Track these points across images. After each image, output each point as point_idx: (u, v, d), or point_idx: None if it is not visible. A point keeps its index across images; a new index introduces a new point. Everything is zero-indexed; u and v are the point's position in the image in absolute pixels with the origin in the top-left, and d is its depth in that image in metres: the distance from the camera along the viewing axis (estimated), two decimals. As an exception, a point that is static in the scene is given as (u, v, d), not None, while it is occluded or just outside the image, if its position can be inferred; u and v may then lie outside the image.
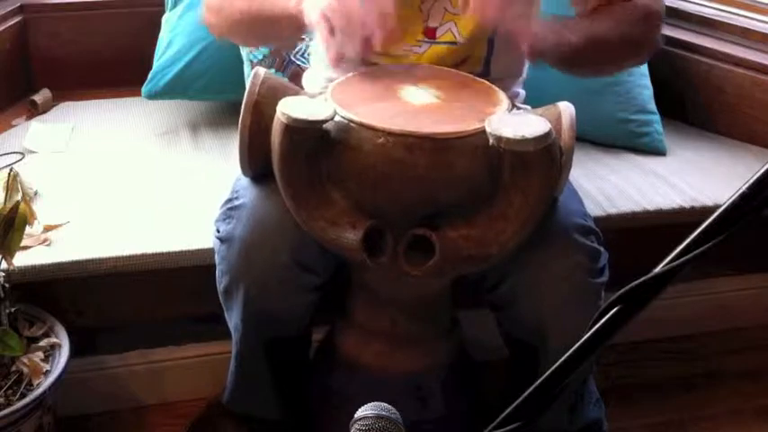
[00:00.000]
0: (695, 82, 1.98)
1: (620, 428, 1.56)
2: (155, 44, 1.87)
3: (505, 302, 1.29)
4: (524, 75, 1.46)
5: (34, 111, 1.90)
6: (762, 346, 1.85)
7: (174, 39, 1.85)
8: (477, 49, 1.34)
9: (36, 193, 1.57)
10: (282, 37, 1.42)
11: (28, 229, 1.32)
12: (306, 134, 1.09)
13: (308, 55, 1.58)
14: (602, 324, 0.68)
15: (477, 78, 1.26)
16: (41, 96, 1.92)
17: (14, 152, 1.71)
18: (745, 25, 2.00)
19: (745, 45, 1.97)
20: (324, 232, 1.14)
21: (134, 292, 1.49)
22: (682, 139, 1.92)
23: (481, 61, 1.35)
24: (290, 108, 1.09)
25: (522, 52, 1.27)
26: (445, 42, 1.33)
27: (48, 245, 1.44)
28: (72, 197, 1.58)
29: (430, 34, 1.33)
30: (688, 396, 1.71)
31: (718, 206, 0.65)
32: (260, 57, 1.76)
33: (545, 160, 1.08)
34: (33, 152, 1.73)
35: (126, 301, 1.50)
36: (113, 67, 1.98)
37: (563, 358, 0.71)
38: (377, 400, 0.91)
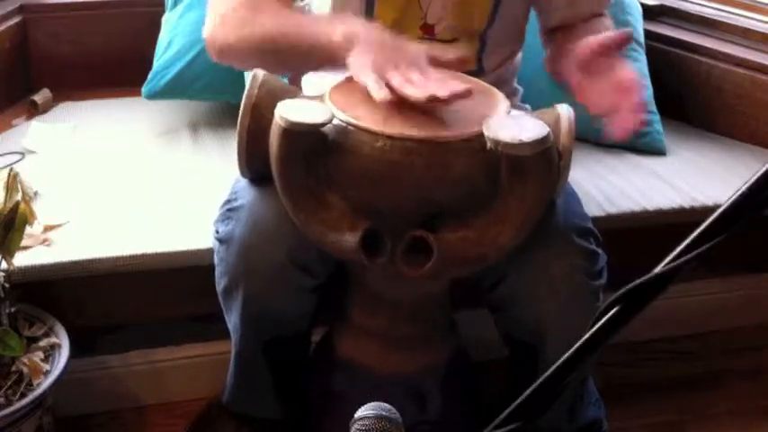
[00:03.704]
0: (695, 82, 1.98)
1: (620, 428, 1.56)
2: (155, 44, 1.87)
3: (504, 304, 1.29)
4: (516, 67, 1.46)
5: (34, 111, 1.90)
6: (762, 346, 1.85)
7: (174, 39, 1.85)
8: (470, 47, 1.34)
9: (36, 193, 1.56)
10: (311, 67, 1.32)
11: (28, 229, 1.32)
12: (303, 137, 1.09)
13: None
14: (602, 324, 0.68)
15: (476, 80, 1.26)
16: (41, 96, 1.92)
17: (14, 152, 1.71)
18: (745, 25, 2.00)
19: (745, 45, 1.97)
20: (322, 235, 1.14)
21: (134, 292, 1.49)
22: (682, 139, 1.92)
23: (474, 58, 1.35)
24: (287, 111, 1.08)
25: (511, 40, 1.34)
26: (444, 40, 1.32)
27: (48, 245, 1.44)
28: (72, 197, 1.58)
29: (428, 31, 1.33)
30: (688, 396, 1.71)
31: (718, 206, 0.65)
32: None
33: (542, 164, 1.08)
34: (33, 152, 1.73)
35: (126, 301, 1.50)
36: (113, 67, 1.98)
37: (563, 358, 0.70)
38: (376, 401, 0.91)
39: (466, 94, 1.07)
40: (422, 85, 1.08)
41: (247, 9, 1.26)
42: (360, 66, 1.11)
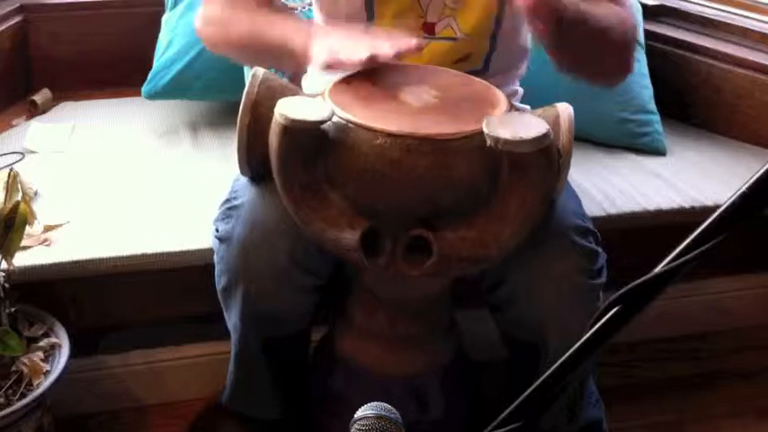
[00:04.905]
0: (695, 82, 1.98)
1: (620, 428, 1.55)
2: (155, 44, 1.87)
3: (504, 304, 1.29)
4: (522, 71, 1.45)
5: (34, 111, 1.90)
6: (762, 346, 1.85)
7: (174, 39, 1.85)
8: (480, 47, 1.33)
9: (36, 193, 1.57)
10: (280, 68, 1.39)
11: (28, 229, 1.32)
12: (303, 135, 1.09)
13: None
14: (602, 324, 0.68)
15: (477, 78, 1.26)
16: (41, 96, 1.92)
17: (14, 152, 1.71)
18: (745, 25, 2.00)
19: (745, 45, 1.97)
20: (322, 233, 1.14)
21: (134, 292, 1.49)
22: (682, 139, 1.92)
23: (482, 58, 1.35)
24: (287, 108, 1.08)
25: (522, 45, 1.32)
26: (445, 38, 1.32)
27: (48, 245, 1.44)
28: (72, 197, 1.58)
29: (429, 30, 1.32)
30: (688, 396, 1.71)
31: (718, 206, 0.65)
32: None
33: (543, 161, 1.08)
34: (33, 152, 1.73)
35: (126, 301, 1.50)
36: (113, 67, 1.99)
37: (563, 358, 0.70)
38: (376, 401, 0.91)
39: (413, 48, 1.13)
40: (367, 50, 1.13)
41: (225, 10, 1.33)
42: (319, 52, 1.18)
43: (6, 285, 1.31)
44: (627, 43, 1.30)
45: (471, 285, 1.31)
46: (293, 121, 1.07)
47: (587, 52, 1.26)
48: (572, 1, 1.15)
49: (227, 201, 1.28)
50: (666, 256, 0.66)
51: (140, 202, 1.57)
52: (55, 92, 1.95)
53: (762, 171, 0.64)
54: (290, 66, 1.31)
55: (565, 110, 1.17)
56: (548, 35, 1.15)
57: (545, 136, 1.06)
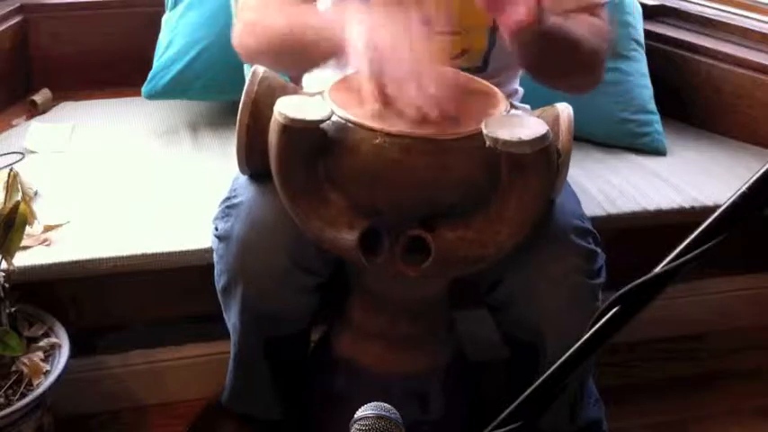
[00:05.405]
0: (695, 82, 1.98)
1: (620, 428, 1.56)
2: (155, 44, 1.87)
3: (503, 304, 1.29)
4: (521, 70, 1.45)
5: (34, 111, 1.90)
6: (762, 346, 1.85)
7: (174, 39, 1.85)
8: (477, 42, 1.33)
9: (36, 193, 1.57)
10: (317, 63, 1.30)
11: (28, 229, 1.32)
12: (303, 134, 1.09)
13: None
14: (602, 324, 0.68)
15: (476, 78, 1.26)
16: (41, 96, 1.92)
17: (14, 152, 1.71)
18: (745, 25, 2.00)
19: (745, 45, 1.97)
20: (321, 232, 1.14)
21: (134, 292, 1.49)
22: (682, 139, 1.92)
23: (481, 55, 1.34)
24: (287, 108, 1.08)
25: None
26: (445, 32, 1.31)
27: (48, 245, 1.44)
28: (72, 197, 1.58)
29: (426, 25, 1.31)
30: (688, 396, 1.71)
31: (718, 206, 0.65)
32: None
33: (542, 162, 1.08)
34: (33, 152, 1.73)
35: (126, 301, 1.50)
36: (113, 67, 1.99)
37: (563, 358, 0.71)
38: (376, 401, 0.91)
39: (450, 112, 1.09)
40: (414, 98, 1.08)
41: (258, 11, 1.29)
42: (359, 66, 1.12)
43: (6, 285, 1.31)
44: (599, 55, 1.30)
45: (470, 286, 1.31)
46: (293, 120, 1.07)
47: (559, 65, 1.26)
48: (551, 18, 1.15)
49: (227, 199, 1.27)
50: (666, 256, 0.66)
51: (140, 202, 1.57)
52: (55, 92, 1.95)
53: (762, 171, 0.64)
54: (328, 53, 1.20)
55: (564, 110, 1.17)
56: (519, 44, 1.15)
57: (544, 137, 1.06)
